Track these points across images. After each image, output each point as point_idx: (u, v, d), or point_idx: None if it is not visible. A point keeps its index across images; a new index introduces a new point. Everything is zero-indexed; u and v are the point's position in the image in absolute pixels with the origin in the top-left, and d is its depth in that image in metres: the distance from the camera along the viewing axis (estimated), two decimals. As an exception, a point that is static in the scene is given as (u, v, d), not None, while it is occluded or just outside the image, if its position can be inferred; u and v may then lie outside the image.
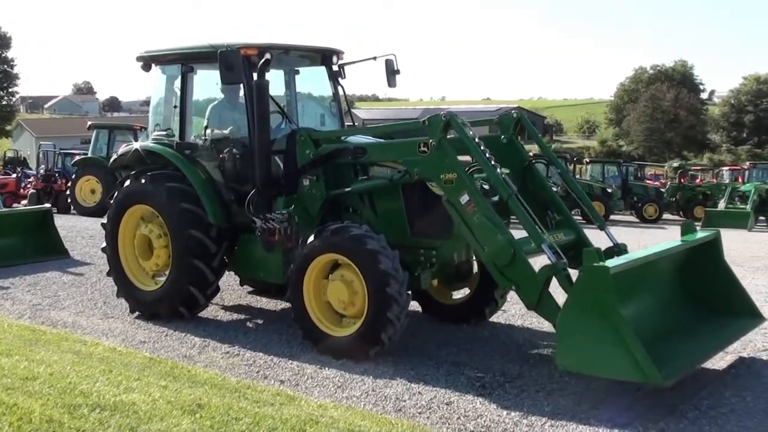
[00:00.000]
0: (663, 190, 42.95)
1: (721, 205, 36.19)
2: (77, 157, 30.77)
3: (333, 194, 9.35)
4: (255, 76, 9.28)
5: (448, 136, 8.53)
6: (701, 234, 8.77)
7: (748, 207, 33.63)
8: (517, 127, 9.46)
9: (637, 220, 38.80)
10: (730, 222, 31.65)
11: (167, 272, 10.30)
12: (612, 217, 36.88)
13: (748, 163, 51.99)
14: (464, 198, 8.17)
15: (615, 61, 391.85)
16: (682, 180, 44.62)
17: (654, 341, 7.14)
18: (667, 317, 8.18)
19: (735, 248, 21.33)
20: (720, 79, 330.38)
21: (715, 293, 8.64)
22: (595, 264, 6.86)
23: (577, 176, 39.37)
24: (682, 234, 8.70)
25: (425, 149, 8.53)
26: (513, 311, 11.01)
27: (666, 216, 40.32)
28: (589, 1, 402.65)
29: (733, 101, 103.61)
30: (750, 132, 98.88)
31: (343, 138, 9.69)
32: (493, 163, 8.35)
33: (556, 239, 8.24)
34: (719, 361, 8.71)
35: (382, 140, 9.63)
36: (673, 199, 41.96)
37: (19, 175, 39.31)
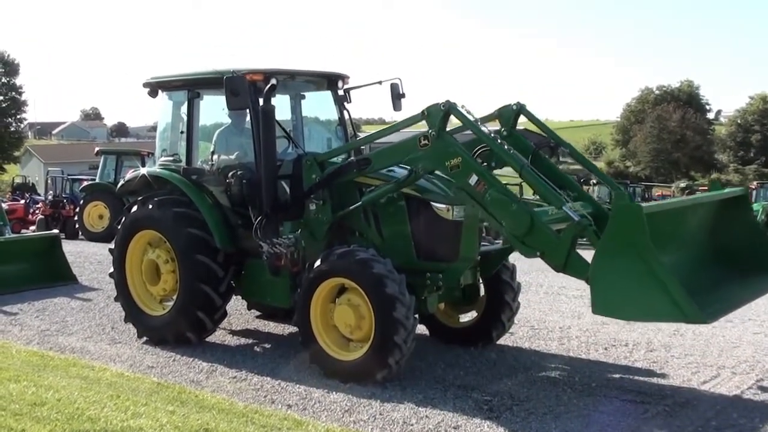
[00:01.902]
0: (670, 210, 42.85)
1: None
2: (85, 183, 30.98)
3: (341, 215, 9.32)
4: (261, 101, 9.32)
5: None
6: (729, 190, 8.65)
7: (756, 227, 33.52)
8: (518, 119, 9.45)
9: (644, 240, 38.70)
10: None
11: (175, 297, 10.32)
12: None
13: (755, 183, 51.88)
14: (473, 179, 8.16)
15: (621, 82, 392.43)
16: (690, 200, 44.50)
17: (687, 287, 6.88)
18: (697, 267, 7.97)
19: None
20: (726, 99, 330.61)
21: (744, 248, 8.42)
22: (627, 203, 6.78)
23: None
24: (709, 190, 8.60)
25: (426, 142, 8.51)
26: (520, 334, 11.01)
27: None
28: (594, 21, 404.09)
29: (739, 121, 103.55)
30: (757, 152, 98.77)
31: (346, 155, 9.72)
32: (499, 141, 8.38)
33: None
34: (727, 382, 8.71)
35: (382, 148, 9.57)
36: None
37: (28, 201, 39.52)
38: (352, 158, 9.55)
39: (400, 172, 9.07)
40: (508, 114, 9.42)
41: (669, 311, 6.64)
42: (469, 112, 8.66)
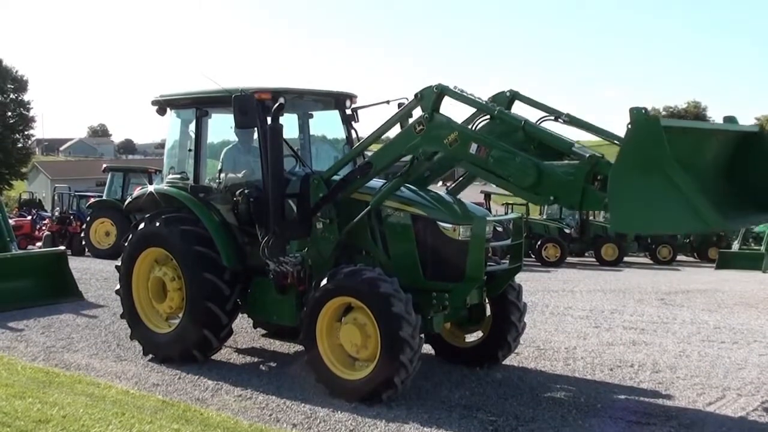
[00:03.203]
0: (677, 231, 42.81)
1: (735, 246, 36.11)
2: (92, 200, 30.99)
3: (349, 228, 9.29)
4: (269, 120, 9.36)
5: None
6: (746, 125, 8.35)
7: (763, 248, 33.46)
8: (512, 105, 9.38)
9: (651, 261, 38.63)
10: (744, 263, 31.56)
11: (181, 315, 10.33)
12: (626, 258, 36.79)
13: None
14: (473, 148, 8.26)
15: (628, 103, 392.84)
16: (696, 221, 44.42)
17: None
18: (710, 190, 7.53)
19: (749, 290, 21.26)
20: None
21: (761, 185, 8.03)
22: (645, 117, 6.68)
23: (591, 218, 39.37)
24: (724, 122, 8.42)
25: (422, 126, 8.62)
26: (526, 354, 11.00)
27: (680, 257, 40.18)
28: (601, 41, 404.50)
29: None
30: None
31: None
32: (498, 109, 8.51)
33: None
34: (733, 404, 8.70)
35: (380, 147, 9.55)
36: (687, 240, 41.83)
37: (34, 217, 39.63)
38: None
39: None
40: (502, 100, 9.39)
41: (690, 220, 6.59)
42: (462, 91, 8.74)
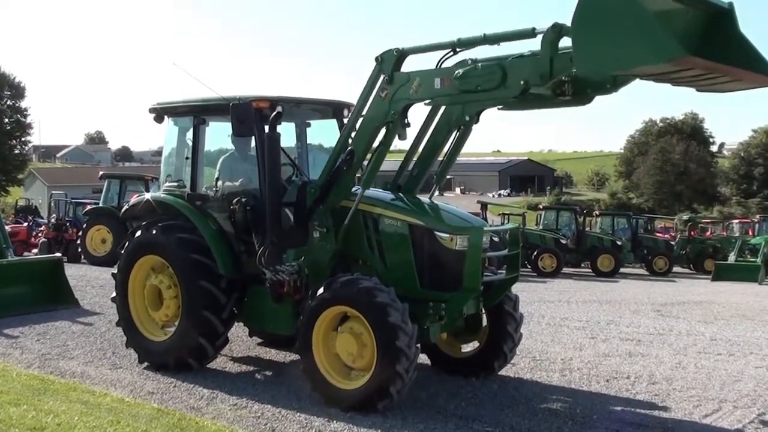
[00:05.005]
0: (673, 242, 42.96)
1: (731, 258, 36.21)
2: (88, 207, 30.93)
3: (345, 227, 9.22)
4: (266, 128, 9.35)
5: None
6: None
7: (759, 260, 33.55)
8: None
9: (647, 273, 38.71)
10: (740, 275, 31.66)
11: (177, 323, 10.30)
12: (622, 270, 36.84)
13: (758, 216, 52.07)
14: (437, 82, 8.34)
15: (625, 114, 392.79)
16: (692, 233, 44.63)
17: None
18: None
19: (745, 301, 21.28)
20: (730, 132, 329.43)
21: (732, 57, 7.46)
22: None
23: (587, 229, 39.47)
24: None
25: (386, 90, 8.70)
26: (522, 365, 10.99)
27: (676, 269, 40.24)
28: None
29: (743, 154, 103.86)
30: (760, 185, 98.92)
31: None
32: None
33: None
34: (729, 416, 8.70)
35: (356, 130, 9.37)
36: (683, 251, 41.99)
37: (30, 223, 39.58)
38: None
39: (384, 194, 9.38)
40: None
41: (654, 52, 6.35)
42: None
